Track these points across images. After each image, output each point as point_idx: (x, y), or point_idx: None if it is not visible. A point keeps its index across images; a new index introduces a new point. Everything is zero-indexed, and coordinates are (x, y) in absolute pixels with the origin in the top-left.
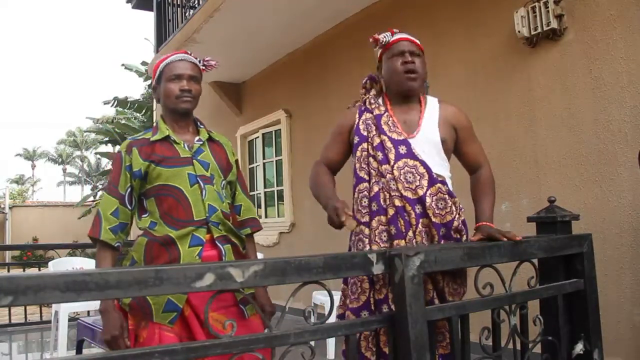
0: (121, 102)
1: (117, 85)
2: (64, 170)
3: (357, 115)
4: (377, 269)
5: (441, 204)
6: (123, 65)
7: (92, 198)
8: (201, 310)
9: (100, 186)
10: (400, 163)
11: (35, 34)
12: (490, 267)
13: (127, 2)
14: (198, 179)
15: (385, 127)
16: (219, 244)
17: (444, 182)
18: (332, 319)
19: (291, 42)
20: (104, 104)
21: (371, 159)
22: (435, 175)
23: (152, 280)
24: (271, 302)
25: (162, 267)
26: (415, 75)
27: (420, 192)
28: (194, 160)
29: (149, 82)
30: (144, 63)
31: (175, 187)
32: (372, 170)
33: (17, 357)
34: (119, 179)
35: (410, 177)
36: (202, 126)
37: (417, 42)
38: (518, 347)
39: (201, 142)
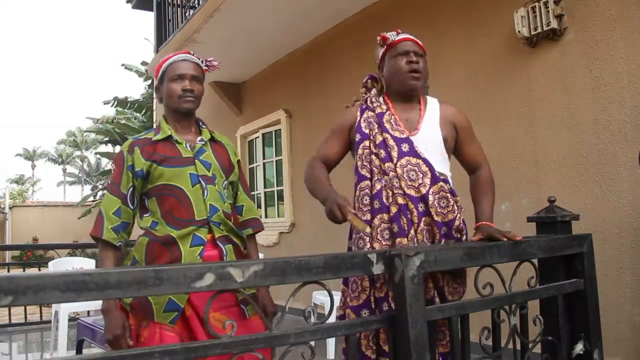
0: (121, 102)
1: (117, 85)
2: (64, 170)
3: (358, 113)
4: (377, 269)
5: (443, 202)
6: (123, 65)
7: (92, 198)
8: (202, 310)
9: (100, 186)
10: (403, 161)
11: (35, 34)
12: (490, 267)
13: (127, 2)
14: (200, 179)
15: (387, 125)
16: (220, 244)
17: (446, 181)
18: (332, 319)
19: (291, 42)
20: (104, 104)
21: (373, 157)
22: (437, 174)
23: (152, 280)
24: (274, 302)
25: (162, 267)
26: (418, 75)
27: (423, 190)
28: (196, 160)
29: (149, 82)
30: (144, 63)
31: (177, 187)
32: (374, 168)
33: (17, 357)
34: (121, 179)
35: (413, 175)
36: (204, 126)
37: (420, 43)
38: (518, 347)
39: (203, 142)
